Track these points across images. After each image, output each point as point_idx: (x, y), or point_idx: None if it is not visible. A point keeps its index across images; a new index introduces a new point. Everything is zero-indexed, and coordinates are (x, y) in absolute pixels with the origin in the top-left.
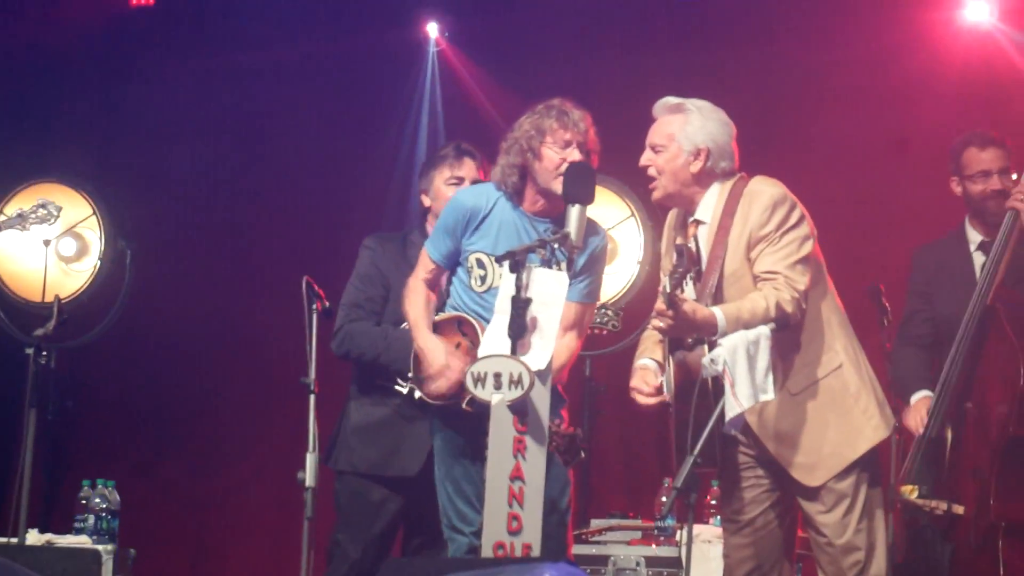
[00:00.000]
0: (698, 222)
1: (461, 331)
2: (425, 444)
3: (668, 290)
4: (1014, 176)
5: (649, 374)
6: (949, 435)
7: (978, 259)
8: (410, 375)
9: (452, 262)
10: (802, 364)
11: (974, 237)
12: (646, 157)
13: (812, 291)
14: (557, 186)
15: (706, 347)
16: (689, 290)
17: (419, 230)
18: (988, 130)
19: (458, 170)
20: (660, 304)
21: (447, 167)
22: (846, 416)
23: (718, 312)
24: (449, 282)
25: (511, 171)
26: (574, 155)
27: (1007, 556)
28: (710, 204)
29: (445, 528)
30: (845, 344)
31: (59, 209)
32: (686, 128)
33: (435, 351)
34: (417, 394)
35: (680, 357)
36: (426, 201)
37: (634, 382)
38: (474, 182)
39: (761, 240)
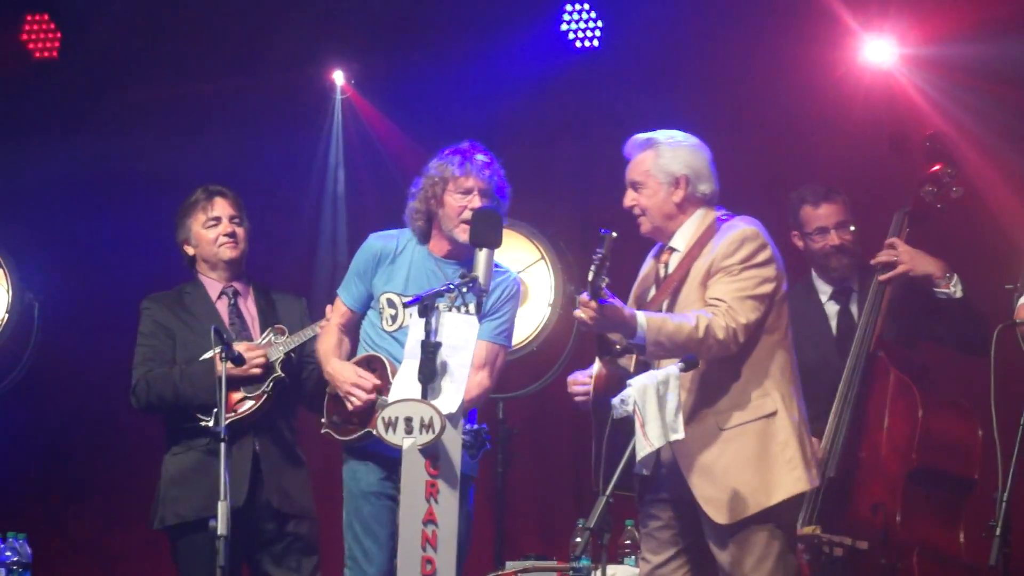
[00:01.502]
0: (672, 250)
1: (371, 368)
2: (244, 473)
3: (591, 278)
4: (852, 228)
5: (586, 375)
6: (846, 476)
7: (831, 309)
8: (323, 419)
9: (364, 306)
10: (737, 402)
11: (823, 288)
12: (629, 197)
13: (766, 335)
14: (459, 234)
15: (634, 357)
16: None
17: (191, 282)
18: (823, 183)
19: (211, 211)
20: (583, 296)
21: (200, 211)
22: (769, 462)
23: (640, 316)
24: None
25: (417, 216)
26: (475, 202)
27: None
28: (686, 234)
29: (347, 569)
30: (784, 394)
31: None
32: (659, 161)
33: (343, 373)
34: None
35: (608, 362)
36: (189, 250)
37: (571, 375)
38: (231, 218)
39: (721, 270)
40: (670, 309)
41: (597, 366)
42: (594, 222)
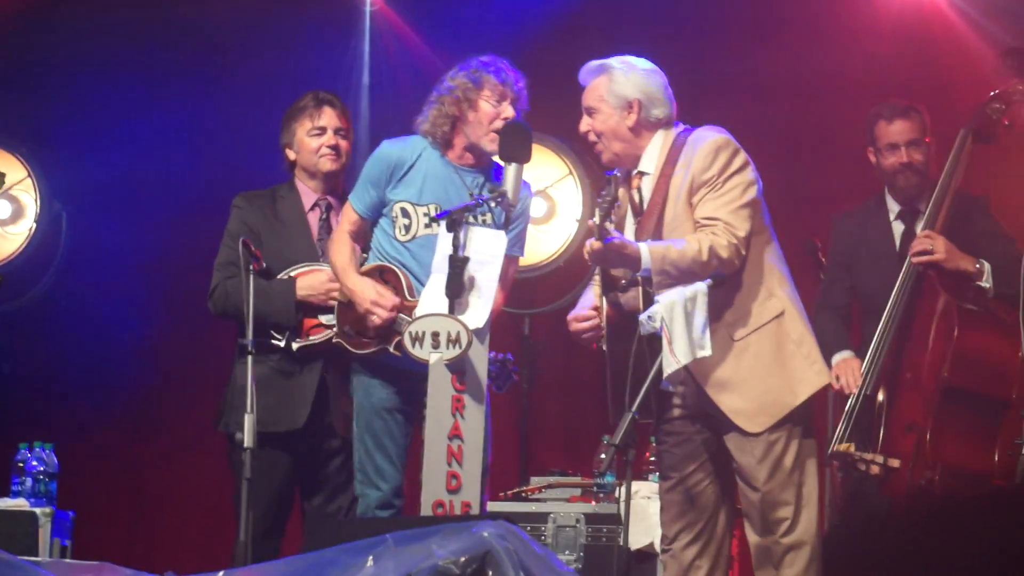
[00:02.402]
0: (642, 173)
1: (383, 279)
2: (308, 396)
3: (598, 221)
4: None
5: (585, 309)
6: (884, 392)
7: (897, 228)
8: (336, 330)
9: (376, 214)
10: (744, 310)
11: (892, 206)
12: (584, 123)
13: (755, 238)
14: (488, 143)
15: (640, 289)
16: (629, 234)
17: (287, 184)
18: (900, 99)
19: (319, 120)
20: (591, 241)
21: (307, 118)
22: (788, 362)
23: (643, 247)
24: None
25: (444, 120)
26: (508, 111)
27: (944, 496)
28: (653, 155)
29: (358, 484)
30: (788, 292)
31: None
32: (611, 86)
33: (363, 289)
34: (295, 345)
35: (613, 299)
36: (291, 155)
37: (570, 314)
38: (336, 130)
39: (703, 185)
40: (658, 232)
41: (593, 302)
42: None
